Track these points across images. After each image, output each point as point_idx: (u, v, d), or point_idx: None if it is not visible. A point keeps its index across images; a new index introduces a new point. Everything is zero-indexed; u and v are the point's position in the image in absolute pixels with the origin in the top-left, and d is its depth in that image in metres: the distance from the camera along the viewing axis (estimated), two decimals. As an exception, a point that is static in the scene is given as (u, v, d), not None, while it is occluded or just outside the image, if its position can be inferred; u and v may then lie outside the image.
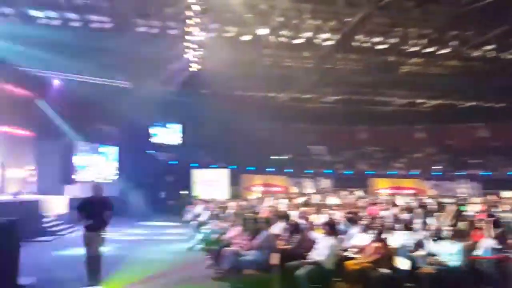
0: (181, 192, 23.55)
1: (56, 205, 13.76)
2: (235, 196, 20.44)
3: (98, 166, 20.34)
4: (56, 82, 18.87)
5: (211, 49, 16.59)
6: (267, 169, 25.04)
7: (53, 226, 12.36)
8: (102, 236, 6.25)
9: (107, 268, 6.40)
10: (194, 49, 16.62)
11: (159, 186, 23.20)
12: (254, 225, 6.86)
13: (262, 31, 15.66)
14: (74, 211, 13.81)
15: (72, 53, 17.13)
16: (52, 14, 15.33)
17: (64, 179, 17.62)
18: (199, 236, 9.93)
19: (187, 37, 15.69)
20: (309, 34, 16.07)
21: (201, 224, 11.50)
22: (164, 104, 21.89)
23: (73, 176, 18.25)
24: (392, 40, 16.89)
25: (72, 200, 14.41)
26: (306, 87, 22.18)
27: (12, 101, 15.91)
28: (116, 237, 11.41)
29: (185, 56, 17.23)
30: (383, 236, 6.27)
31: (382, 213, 10.52)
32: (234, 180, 23.72)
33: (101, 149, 20.72)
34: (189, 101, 22.50)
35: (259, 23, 15.23)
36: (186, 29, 15.15)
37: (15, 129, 16.08)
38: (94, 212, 6.18)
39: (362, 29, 15.75)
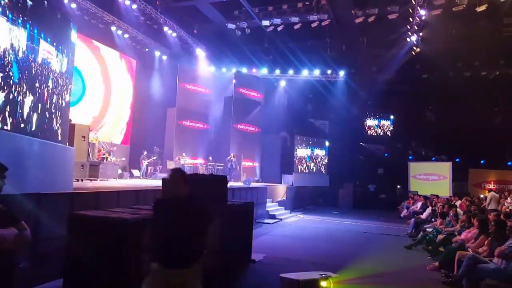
0: (398, 186, 22.49)
1: (277, 192, 15.72)
2: (461, 193, 17.83)
3: (315, 158, 21.82)
4: (281, 83, 21.35)
5: (436, 28, 15.20)
6: (508, 163, 21.03)
7: (275, 210, 14.02)
8: (190, 280, 2.80)
9: (321, 262, 6.37)
10: (415, 32, 15.51)
11: (369, 179, 22.80)
12: (497, 228, 5.75)
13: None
14: (291, 198, 15.53)
15: (293, 54, 18.99)
16: (277, 21, 17.24)
17: (284, 169, 19.85)
18: (420, 235, 9.31)
19: (409, 19, 14.85)
20: None
21: (422, 222, 11.00)
22: (379, 95, 21.34)
23: (295, 167, 20.19)
24: None
25: (288, 189, 16.32)
26: None
27: (245, 102, 19.33)
28: (326, 228, 11.95)
29: (407, 39, 16.31)
30: None
31: None
32: (459, 175, 20.71)
33: (318, 142, 22.06)
34: (405, 89, 21.13)
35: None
36: (409, 10, 14.28)
37: (247, 126, 19.37)
38: (174, 229, 2.81)
39: None
